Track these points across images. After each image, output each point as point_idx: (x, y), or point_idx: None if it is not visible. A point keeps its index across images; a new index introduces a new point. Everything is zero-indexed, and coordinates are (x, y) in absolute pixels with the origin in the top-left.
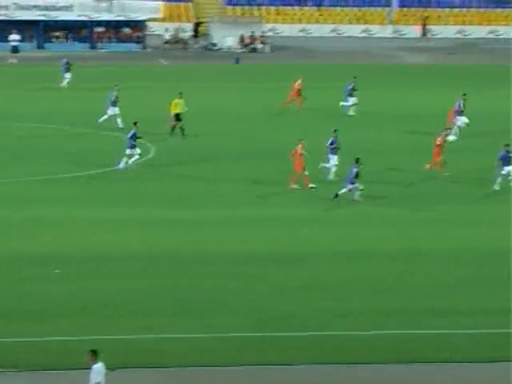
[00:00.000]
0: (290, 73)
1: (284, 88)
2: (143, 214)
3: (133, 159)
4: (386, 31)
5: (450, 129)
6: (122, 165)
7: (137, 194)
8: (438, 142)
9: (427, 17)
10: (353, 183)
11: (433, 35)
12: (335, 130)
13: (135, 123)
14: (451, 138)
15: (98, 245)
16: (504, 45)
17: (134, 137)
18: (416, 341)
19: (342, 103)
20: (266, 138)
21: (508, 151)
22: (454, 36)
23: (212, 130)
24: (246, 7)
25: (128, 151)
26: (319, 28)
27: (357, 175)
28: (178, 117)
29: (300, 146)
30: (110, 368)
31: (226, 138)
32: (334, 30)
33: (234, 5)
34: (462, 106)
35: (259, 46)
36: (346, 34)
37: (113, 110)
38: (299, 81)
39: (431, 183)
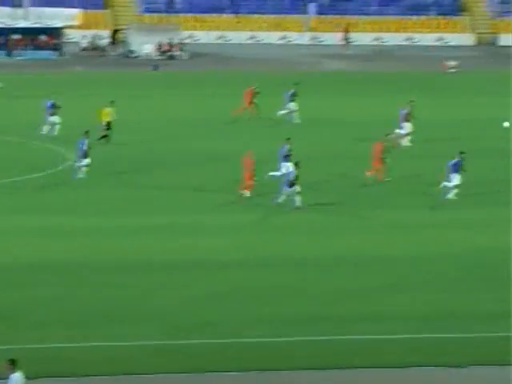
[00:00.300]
0: (208, 80)
1: (203, 95)
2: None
3: (84, 169)
4: (304, 38)
5: (390, 134)
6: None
7: (61, 202)
8: (377, 149)
9: (349, 24)
10: (291, 186)
11: (350, 42)
12: (288, 139)
13: (86, 132)
14: (506, 124)
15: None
16: (420, 52)
17: (87, 145)
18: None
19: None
20: (191, 145)
21: (462, 158)
22: (371, 43)
23: (135, 138)
24: (164, 14)
25: (83, 161)
26: (237, 35)
27: (296, 178)
28: (109, 125)
29: (248, 158)
30: (28, 377)
31: (150, 146)
32: (252, 37)
33: (152, 12)
34: (409, 112)
35: (177, 53)
36: (264, 41)
37: (52, 119)
38: (251, 88)
39: (381, 188)
